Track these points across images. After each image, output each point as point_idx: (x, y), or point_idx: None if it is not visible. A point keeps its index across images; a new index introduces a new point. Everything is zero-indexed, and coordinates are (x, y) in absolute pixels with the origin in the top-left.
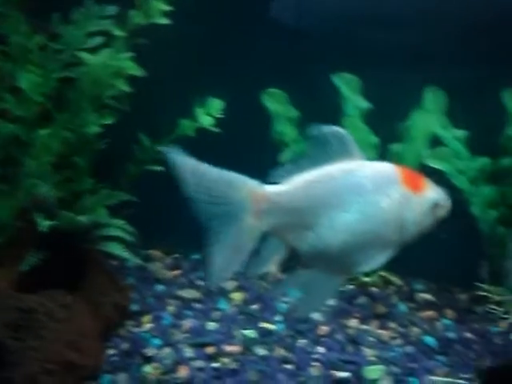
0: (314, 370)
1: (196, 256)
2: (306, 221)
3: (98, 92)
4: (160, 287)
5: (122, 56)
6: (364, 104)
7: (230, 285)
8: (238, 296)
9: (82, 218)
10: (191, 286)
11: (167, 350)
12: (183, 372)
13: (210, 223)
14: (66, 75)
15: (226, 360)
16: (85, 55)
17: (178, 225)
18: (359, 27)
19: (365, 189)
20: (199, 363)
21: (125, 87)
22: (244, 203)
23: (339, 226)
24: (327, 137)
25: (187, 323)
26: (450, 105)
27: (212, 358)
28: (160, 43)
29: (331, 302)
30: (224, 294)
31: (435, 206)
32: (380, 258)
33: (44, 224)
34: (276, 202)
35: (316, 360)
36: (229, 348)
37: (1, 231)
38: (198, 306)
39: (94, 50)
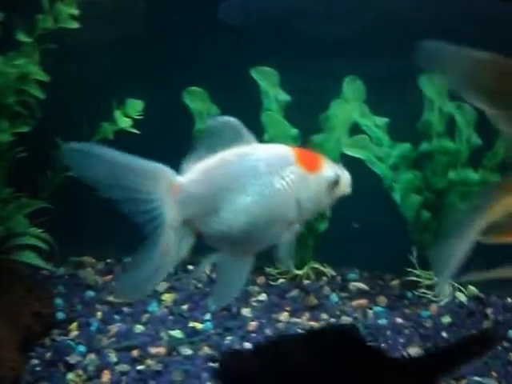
0: None
1: (128, 259)
2: (210, 207)
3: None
4: (90, 294)
5: (24, 61)
6: (284, 97)
7: (161, 286)
8: (168, 297)
9: None
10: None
11: (91, 357)
12: (106, 377)
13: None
14: None
15: (150, 362)
16: None
17: (110, 229)
18: (277, 21)
19: (259, 171)
20: (123, 367)
21: (37, 92)
22: (164, 196)
23: (239, 209)
24: (220, 126)
25: (114, 328)
26: (370, 93)
27: (137, 360)
28: (76, 46)
29: (262, 297)
30: (155, 295)
31: (332, 184)
32: (282, 237)
33: None
34: (187, 191)
35: None
36: (154, 350)
37: None
38: (127, 310)
39: None
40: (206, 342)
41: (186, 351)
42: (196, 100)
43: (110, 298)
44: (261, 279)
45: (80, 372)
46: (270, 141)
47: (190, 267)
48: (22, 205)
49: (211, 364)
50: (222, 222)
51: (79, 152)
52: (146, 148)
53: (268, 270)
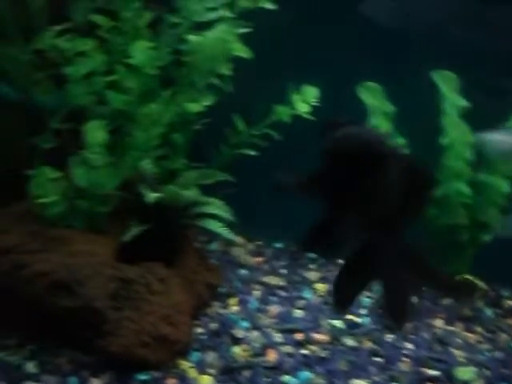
0: (404, 365)
1: (278, 245)
2: None
3: (209, 69)
4: (243, 272)
5: (231, 36)
6: (462, 103)
7: (313, 275)
8: (321, 287)
9: (187, 193)
10: (274, 273)
11: (255, 333)
12: (272, 356)
13: None
14: (179, 48)
15: (314, 348)
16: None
17: (260, 213)
18: (456, 28)
19: None
20: (288, 348)
21: (226, 69)
22: None
23: None
24: None
25: (273, 309)
26: None
27: (300, 344)
28: (261, 27)
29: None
30: (307, 283)
31: None
32: None
33: (150, 196)
34: None
35: (405, 356)
36: (317, 336)
37: (106, 201)
38: (282, 293)
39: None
40: (368, 336)
41: (349, 342)
42: (371, 95)
43: (265, 279)
44: None
45: (246, 347)
46: (451, 145)
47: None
48: (200, 175)
49: (375, 359)
50: None
51: None
52: (315, 137)
53: None
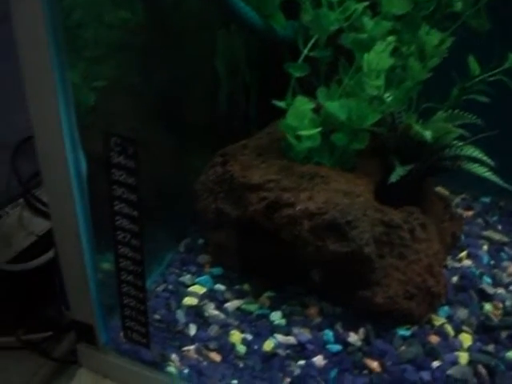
0: None
1: (486, 199)
2: None
3: None
4: None
5: None
6: None
7: None
8: None
9: (455, 132)
10: (492, 228)
11: (501, 291)
12: None
13: None
14: None
15: None
16: None
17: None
18: None
19: None
20: None
21: None
22: None
23: None
24: None
25: (509, 265)
26: None
27: None
28: None
29: None
30: None
31: None
32: None
33: (427, 133)
34: None
35: None
36: None
37: (361, 137)
38: (508, 250)
39: None
40: None
41: None
42: None
43: (485, 234)
44: None
45: (499, 305)
46: None
47: None
48: (453, 116)
49: None
50: None
51: None
52: None
53: None
